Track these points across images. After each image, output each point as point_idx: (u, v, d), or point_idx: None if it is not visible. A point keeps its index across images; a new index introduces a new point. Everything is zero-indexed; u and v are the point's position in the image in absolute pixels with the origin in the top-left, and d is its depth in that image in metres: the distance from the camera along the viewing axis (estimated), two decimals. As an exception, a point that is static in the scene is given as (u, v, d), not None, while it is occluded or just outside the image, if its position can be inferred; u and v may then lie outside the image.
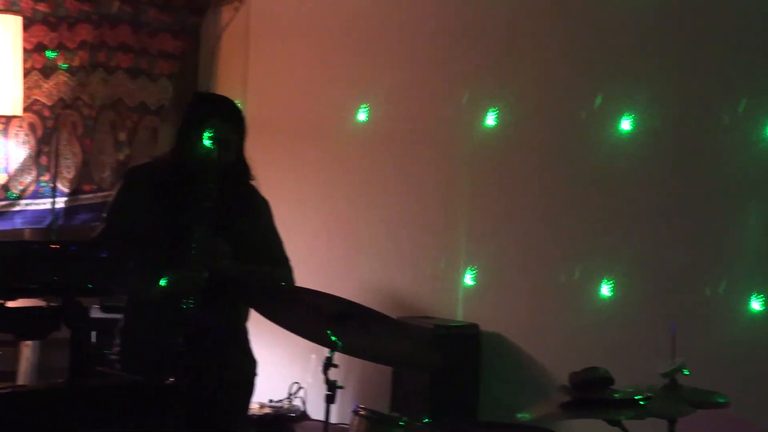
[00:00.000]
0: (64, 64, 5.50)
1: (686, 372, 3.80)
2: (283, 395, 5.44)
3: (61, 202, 5.59)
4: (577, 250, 5.10)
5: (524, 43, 5.13)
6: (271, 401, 5.38)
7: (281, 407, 5.41)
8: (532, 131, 5.09)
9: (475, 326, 5.16)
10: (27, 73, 5.17)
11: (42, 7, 5.32)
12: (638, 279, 4.88)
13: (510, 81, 5.15)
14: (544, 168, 5.10)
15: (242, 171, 4.04)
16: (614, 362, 4.17)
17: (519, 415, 4.52)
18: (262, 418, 5.18)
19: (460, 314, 5.30)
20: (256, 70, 5.98)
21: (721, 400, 3.70)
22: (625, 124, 4.77)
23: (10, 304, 3.43)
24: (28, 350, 5.16)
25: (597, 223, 5.00)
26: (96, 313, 5.05)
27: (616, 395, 3.67)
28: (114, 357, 4.04)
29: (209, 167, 3.89)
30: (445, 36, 5.36)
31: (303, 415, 5.41)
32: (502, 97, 5.17)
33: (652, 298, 4.77)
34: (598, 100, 4.80)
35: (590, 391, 3.73)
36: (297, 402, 5.45)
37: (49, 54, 5.43)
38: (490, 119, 5.25)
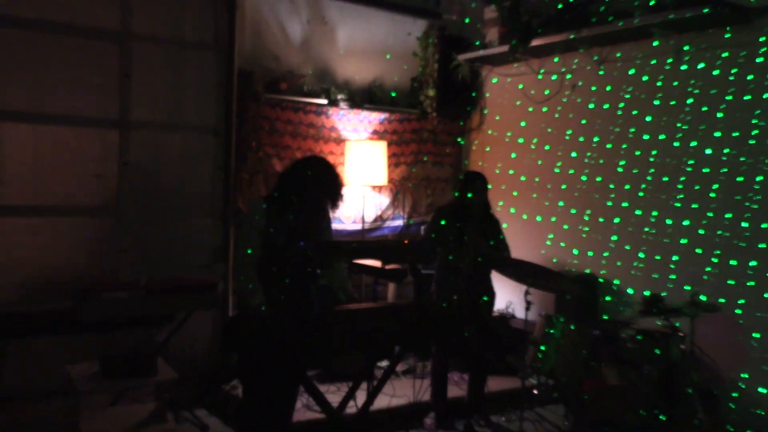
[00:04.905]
0: (404, 161, 5.46)
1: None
2: (503, 307, 5.20)
3: (402, 222, 5.46)
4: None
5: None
6: (497, 310, 5.10)
7: (503, 312, 5.20)
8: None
9: (593, 275, 4.72)
10: (388, 166, 5.14)
11: (394, 138, 5.41)
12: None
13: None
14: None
15: (488, 205, 4.13)
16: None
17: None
18: (494, 318, 4.87)
19: (588, 269, 4.75)
20: (489, 160, 5.60)
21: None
22: None
23: (388, 267, 3.50)
24: (392, 286, 5.15)
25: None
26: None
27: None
28: (432, 292, 4.12)
29: (474, 205, 3.98)
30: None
31: (513, 317, 5.15)
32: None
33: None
34: None
35: (652, 306, 3.80)
36: (510, 310, 5.21)
37: (397, 157, 5.40)
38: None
